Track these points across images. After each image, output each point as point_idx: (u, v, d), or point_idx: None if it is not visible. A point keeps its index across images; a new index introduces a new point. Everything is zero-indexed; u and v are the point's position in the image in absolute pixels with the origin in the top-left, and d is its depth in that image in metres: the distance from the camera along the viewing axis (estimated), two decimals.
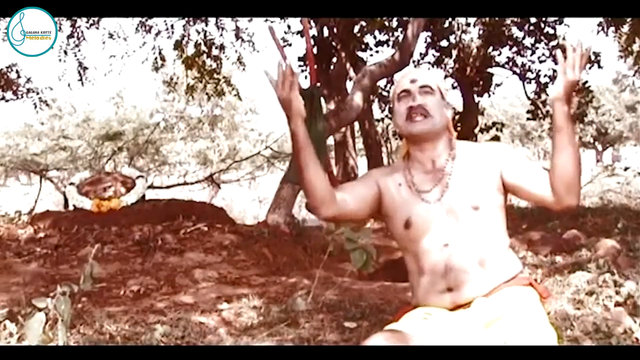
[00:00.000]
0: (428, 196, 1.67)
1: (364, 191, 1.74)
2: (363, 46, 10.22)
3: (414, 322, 1.58)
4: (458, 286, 1.60)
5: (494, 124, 10.82)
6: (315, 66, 7.18)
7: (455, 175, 1.67)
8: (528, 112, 11.17)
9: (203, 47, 9.78)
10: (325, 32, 9.96)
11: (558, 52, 1.51)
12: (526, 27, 10.30)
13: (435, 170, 1.69)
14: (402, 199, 1.70)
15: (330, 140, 9.44)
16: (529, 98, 10.97)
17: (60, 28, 8.62)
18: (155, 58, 10.05)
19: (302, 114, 1.58)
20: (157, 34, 9.79)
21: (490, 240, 1.64)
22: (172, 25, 9.72)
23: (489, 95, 11.18)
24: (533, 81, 10.72)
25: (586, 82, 10.45)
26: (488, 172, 1.66)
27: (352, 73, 9.57)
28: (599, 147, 33.37)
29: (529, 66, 10.69)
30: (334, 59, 9.94)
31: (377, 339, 1.46)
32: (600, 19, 9.14)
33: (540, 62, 10.61)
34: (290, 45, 10.44)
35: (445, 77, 10.73)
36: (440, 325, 1.56)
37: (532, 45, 10.51)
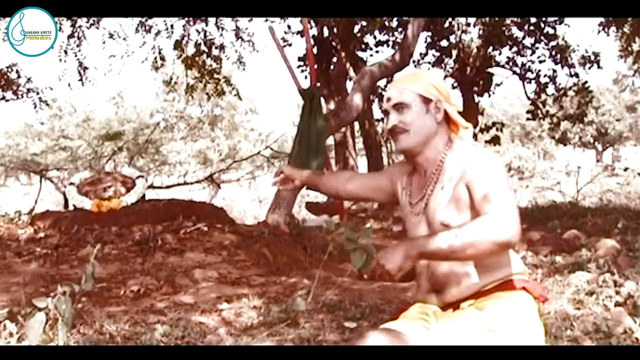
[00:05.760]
0: (414, 208, 1.76)
1: (372, 180, 1.99)
2: (363, 46, 10.22)
3: (409, 322, 1.61)
4: (442, 289, 1.68)
5: (493, 124, 10.82)
6: (315, 66, 7.18)
7: (436, 190, 1.68)
8: (528, 112, 11.17)
9: (203, 47, 9.79)
10: (325, 32, 9.96)
11: None
12: (526, 27, 10.30)
13: (425, 180, 1.73)
14: (401, 204, 1.85)
15: (330, 140, 9.44)
16: (529, 98, 10.97)
17: (60, 28, 8.64)
18: (155, 58, 10.06)
19: (311, 181, 2.13)
20: (157, 34, 9.81)
21: None
22: (172, 25, 9.75)
23: (489, 95, 11.19)
24: (533, 81, 10.72)
25: (586, 82, 10.46)
26: (462, 189, 1.62)
27: (352, 73, 9.57)
28: (599, 147, 33.39)
29: (529, 66, 10.70)
30: (334, 59, 9.94)
31: (374, 337, 1.49)
32: (602, 19, 9.16)
33: (540, 62, 10.64)
34: (290, 45, 10.45)
35: (445, 77, 10.73)
36: (434, 327, 1.60)
37: (532, 45, 10.52)
